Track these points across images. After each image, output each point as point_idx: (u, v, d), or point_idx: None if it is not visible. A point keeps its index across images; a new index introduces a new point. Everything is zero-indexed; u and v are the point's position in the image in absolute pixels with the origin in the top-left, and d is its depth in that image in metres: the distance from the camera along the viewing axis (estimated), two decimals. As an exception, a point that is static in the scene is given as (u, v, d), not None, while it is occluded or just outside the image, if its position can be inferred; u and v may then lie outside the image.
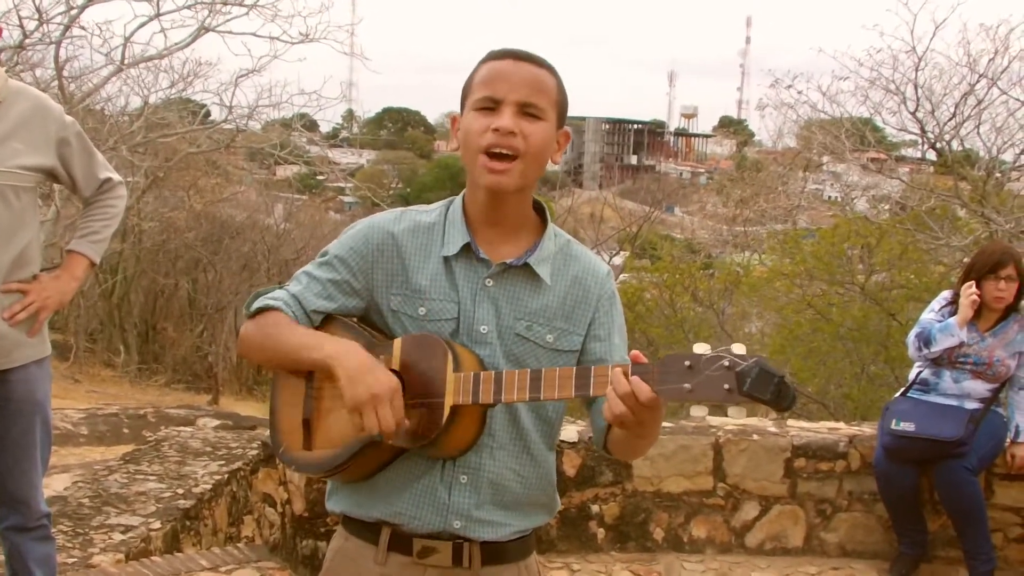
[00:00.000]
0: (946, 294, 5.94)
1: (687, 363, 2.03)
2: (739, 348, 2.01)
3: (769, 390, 1.95)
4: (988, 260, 5.64)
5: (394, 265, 2.46)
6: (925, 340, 5.67)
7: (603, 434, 2.47)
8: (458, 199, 2.53)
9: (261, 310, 2.49)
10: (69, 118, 3.82)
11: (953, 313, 5.67)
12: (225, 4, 10.70)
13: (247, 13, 10.85)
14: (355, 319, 2.52)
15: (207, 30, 10.78)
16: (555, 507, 2.64)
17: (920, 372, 5.85)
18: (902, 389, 5.96)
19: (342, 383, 2.27)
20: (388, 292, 2.46)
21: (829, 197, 23.78)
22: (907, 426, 5.60)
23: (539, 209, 2.56)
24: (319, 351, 2.35)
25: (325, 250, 2.56)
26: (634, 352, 2.17)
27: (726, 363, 1.98)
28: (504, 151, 2.34)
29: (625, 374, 2.11)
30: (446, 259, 2.45)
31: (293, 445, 2.48)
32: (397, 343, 2.38)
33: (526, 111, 2.36)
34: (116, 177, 4.01)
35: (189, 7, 10.59)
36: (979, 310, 5.64)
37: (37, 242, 3.79)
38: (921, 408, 5.68)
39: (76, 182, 3.85)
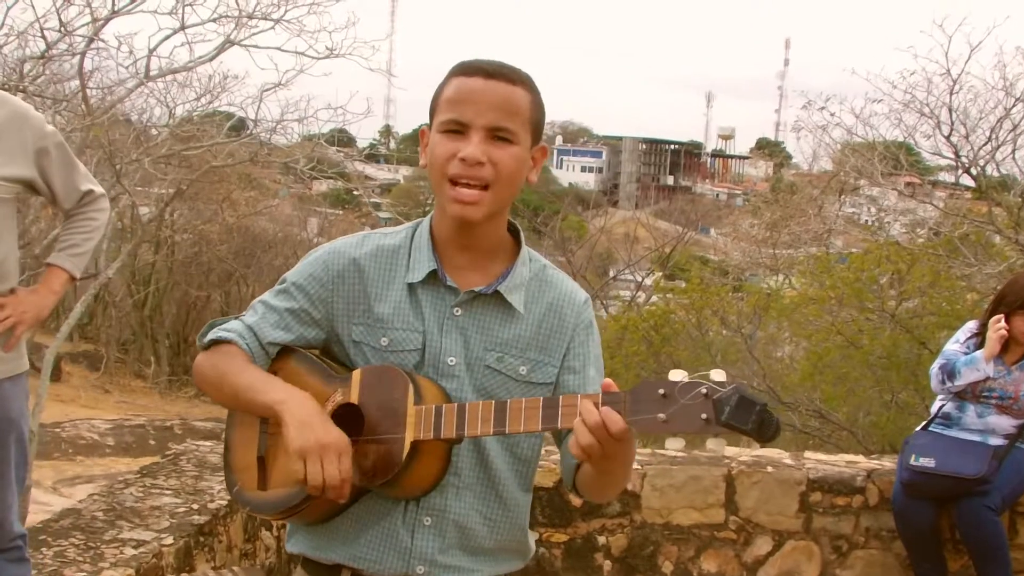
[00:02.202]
0: (972, 325, 5.75)
1: (661, 391, 1.88)
2: (718, 375, 1.86)
3: (750, 419, 1.81)
4: (1019, 294, 5.44)
5: (356, 293, 2.33)
6: (949, 373, 5.48)
7: (572, 472, 2.32)
8: (425, 221, 2.39)
9: (215, 342, 2.35)
10: (50, 127, 3.70)
11: (979, 345, 5.48)
12: (251, 18, 10.63)
13: (273, 27, 10.80)
14: (315, 351, 2.38)
15: (232, 44, 10.74)
16: (528, 553, 2.48)
17: (943, 406, 5.66)
18: (923, 423, 5.77)
19: (289, 430, 2.14)
20: (349, 322, 2.33)
21: (865, 221, 23.59)
22: (927, 462, 5.42)
23: (514, 232, 2.40)
24: (268, 395, 2.22)
25: (283, 277, 2.43)
26: (606, 380, 2.02)
27: (704, 391, 1.84)
28: (472, 182, 2.19)
29: (596, 404, 1.95)
30: (411, 286, 2.31)
31: (247, 484, 2.34)
32: (356, 375, 2.25)
33: (496, 135, 2.20)
34: (98, 189, 3.89)
35: (214, 20, 10.53)
36: (1006, 343, 5.44)
37: (14, 255, 3.68)
38: (942, 443, 5.49)
39: (55, 194, 3.73)
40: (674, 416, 1.85)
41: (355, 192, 29.92)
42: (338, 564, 2.33)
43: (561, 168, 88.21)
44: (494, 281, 2.32)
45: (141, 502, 4.92)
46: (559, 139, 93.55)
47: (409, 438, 2.14)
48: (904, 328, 12.77)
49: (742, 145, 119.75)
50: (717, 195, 78.22)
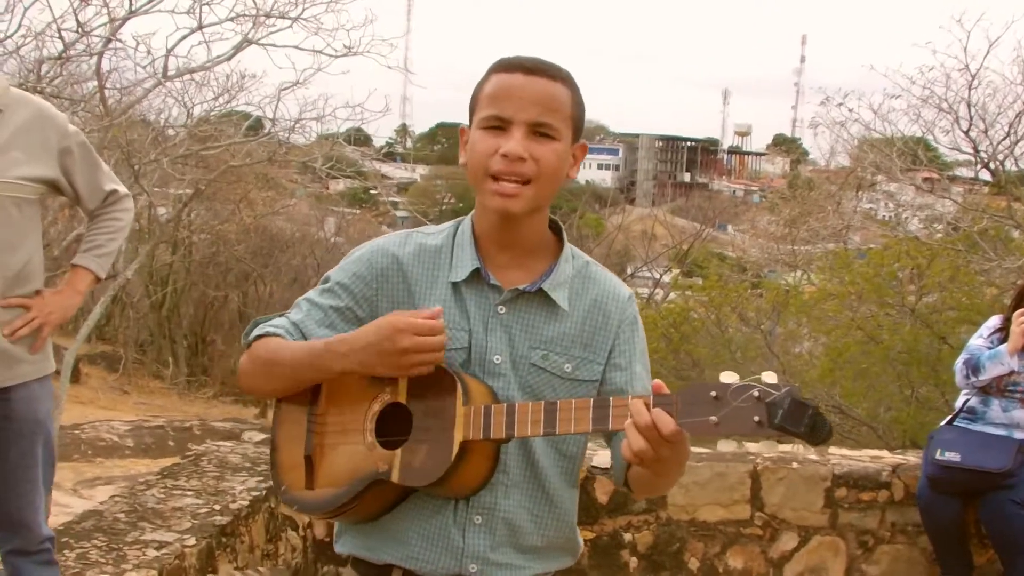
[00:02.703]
0: (995, 320, 5.72)
1: (713, 393, 1.87)
2: (770, 377, 1.85)
3: (803, 423, 1.80)
4: None
5: (399, 291, 2.33)
6: (973, 368, 5.46)
7: (623, 471, 2.31)
8: (467, 220, 2.39)
9: (260, 338, 2.36)
10: (72, 127, 3.70)
11: (1003, 340, 5.45)
12: (268, 17, 10.64)
13: (291, 26, 10.81)
14: None
15: (250, 43, 10.75)
16: (578, 550, 2.48)
17: (967, 400, 5.63)
18: (948, 418, 5.74)
19: (372, 365, 2.17)
20: None
21: (883, 217, 23.51)
22: (952, 456, 5.40)
23: (556, 229, 2.40)
24: (321, 356, 2.23)
25: (327, 275, 2.42)
26: (656, 382, 2.00)
27: (756, 393, 1.83)
28: (513, 178, 2.19)
29: (647, 405, 1.95)
30: (454, 285, 2.31)
31: (294, 484, 2.34)
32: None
33: (537, 131, 2.20)
34: (122, 189, 3.89)
35: (232, 19, 10.55)
36: (1029, 337, 5.41)
37: (39, 256, 3.68)
38: (967, 438, 5.47)
39: (79, 194, 3.72)
40: (726, 419, 1.85)
41: (372, 191, 29.92)
42: (389, 564, 2.32)
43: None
44: (537, 279, 2.31)
45: (163, 503, 4.93)
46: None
47: (458, 438, 2.13)
48: (924, 323, 12.74)
49: (758, 142, 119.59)
50: (734, 192, 77.93)
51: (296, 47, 10.95)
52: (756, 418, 1.82)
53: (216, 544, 4.65)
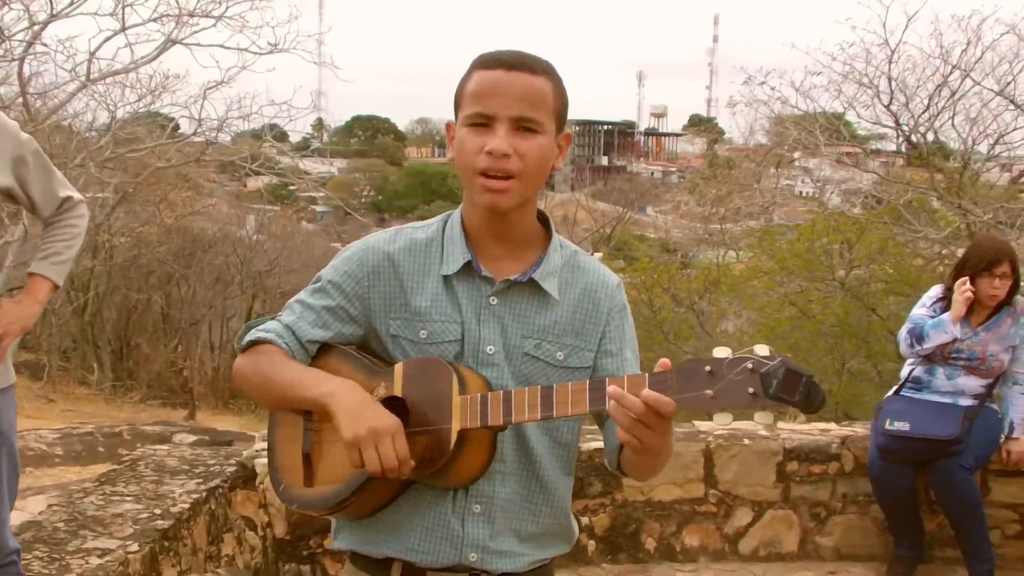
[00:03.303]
0: (937, 289, 5.81)
1: (708, 368, 1.88)
2: (762, 349, 1.86)
3: (797, 391, 1.81)
4: (983, 256, 5.51)
5: (392, 287, 2.33)
6: (918, 336, 5.55)
7: (616, 453, 2.32)
8: (456, 213, 2.39)
9: (253, 343, 2.35)
10: (26, 135, 3.64)
11: (945, 309, 5.55)
12: (192, 16, 10.53)
13: (215, 25, 10.72)
14: (353, 347, 2.38)
15: (174, 43, 10.64)
16: (573, 536, 2.50)
17: (912, 370, 5.73)
18: (895, 388, 5.83)
19: (339, 420, 2.13)
20: (387, 316, 2.33)
21: (801, 192, 23.78)
22: (902, 425, 5.49)
23: (544, 220, 2.42)
24: (314, 389, 2.22)
25: (319, 275, 2.41)
26: (662, 360, 1.98)
27: (749, 366, 1.84)
28: (499, 175, 2.20)
29: (643, 383, 1.95)
30: (446, 278, 2.32)
31: (293, 482, 2.34)
32: (399, 368, 2.25)
33: (521, 126, 2.21)
34: (77, 196, 3.83)
35: (155, 20, 10.43)
36: (971, 305, 5.52)
37: None
38: (915, 407, 5.57)
39: (34, 202, 3.67)
40: (721, 392, 1.86)
41: (290, 187, 29.72)
42: (390, 557, 2.33)
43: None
44: (528, 269, 2.33)
45: (103, 510, 4.87)
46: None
47: (456, 427, 2.14)
48: (854, 296, 12.93)
49: (675, 123, 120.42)
50: (652, 173, 78.49)
51: (221, 46, 10.84)
52: (751, 390, 1.83)
53: (159, 549, 4.61)
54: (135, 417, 19.83)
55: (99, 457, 13.80)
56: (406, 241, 2.36)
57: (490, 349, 2.29)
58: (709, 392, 1.87)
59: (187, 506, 4.98)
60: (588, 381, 2.09)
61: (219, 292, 27.41)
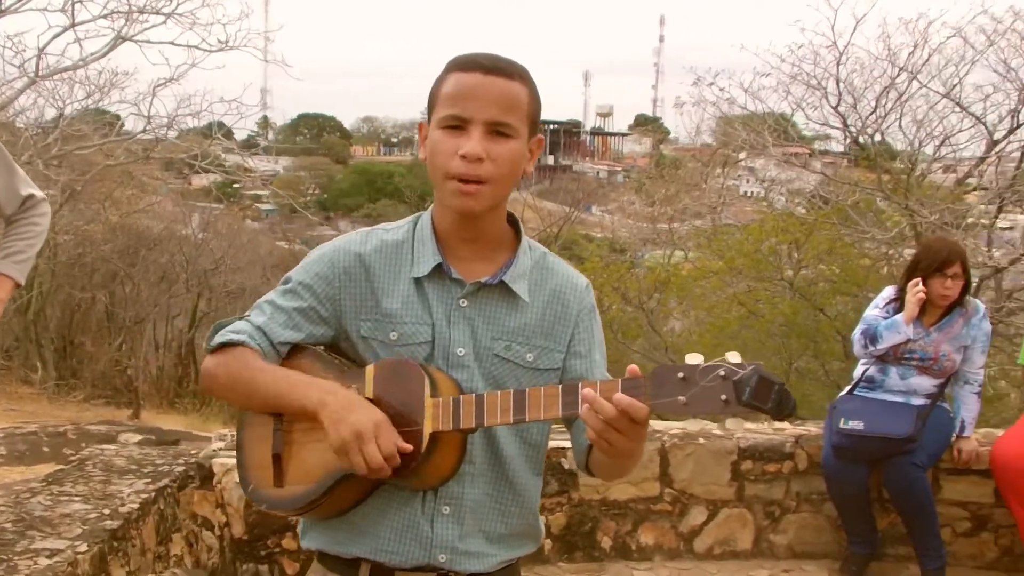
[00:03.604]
0: (890, 291, 5.88)
1: (680, 375, 1.90)
2: (734, 356, 1.89)
3: (770, 399, 1.84)
4: (935, 258, 5.57)
5: (362, 289, 2.32)
6: (871, 337, 5.61)
7: (585, 454, 2.35)
8: (426, 215, 2.39)
9: (224, 345, 2.32)
10: None
11: (898, 310, 5.63)
12: (142, 13, 10.43)
13: (165, 22, 10.62)
14: (324, 348, 2.37)
15: (124, 40, 10.53)
16: (540, 536, 2.51)
17: (866, 370, 5.79)
18: (848, 387, 5.89)
19: (326, 426, 2.13)
20: (357, 318, 2.32)
21: (746, 192, 23.94)
22: (856, 425, 5.54)
23: (513, 223, 2.42)
24: (300, 398, 2.20)
25: (288, 276, 2.40)
26: (631, 367, 2.00)
27: (722, 372, 1.86)
28: (472, 179, 2.20)
29: (616, 389, 1.96)
30: (417, 280, 2.31)
31: (263, 483, 2.32)
32: (370, 370, 2.24)
33: (495, 130, 2.21)
34: (39, 194, 3.79)
35: (105, 16, 10.31)
36: (924, 306, 5.59)
37: None
38: (869, 406, 5.62)
39: None
40: (694, 398, 1.88)
41: (236, 185, 29.51)
42: (358, 557, 2.32)
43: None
44: (498, 271, 2.33)
45: (50, 510, 4.82)
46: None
47: (428, 429, 2.14)
48: (802, 296, 13.03)
49: (620, 122, 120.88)
50: (598, 173, 78.60)
51: (171, 43, 10.74)
52: (723, 397, 1.85)
53: (108, 549, 4.57)
54: (79, 416, 19.60)
55: (43, 457, 13.61)
56: (377, 243, 2.36)
57: (460, 351, 2.29)
58: (682, 398, 1.89)
59: (136, 506, 4.93)
60: (561, 386, 2.10)
61: (164, 290, 27.18)
